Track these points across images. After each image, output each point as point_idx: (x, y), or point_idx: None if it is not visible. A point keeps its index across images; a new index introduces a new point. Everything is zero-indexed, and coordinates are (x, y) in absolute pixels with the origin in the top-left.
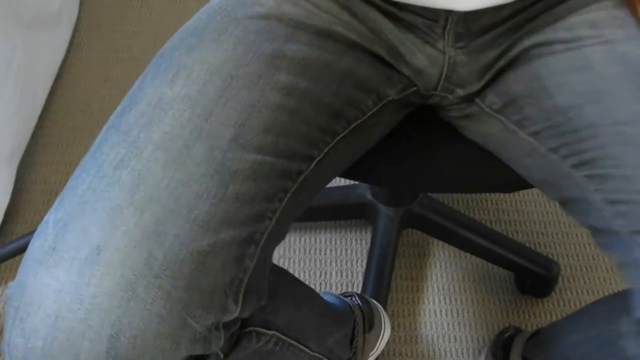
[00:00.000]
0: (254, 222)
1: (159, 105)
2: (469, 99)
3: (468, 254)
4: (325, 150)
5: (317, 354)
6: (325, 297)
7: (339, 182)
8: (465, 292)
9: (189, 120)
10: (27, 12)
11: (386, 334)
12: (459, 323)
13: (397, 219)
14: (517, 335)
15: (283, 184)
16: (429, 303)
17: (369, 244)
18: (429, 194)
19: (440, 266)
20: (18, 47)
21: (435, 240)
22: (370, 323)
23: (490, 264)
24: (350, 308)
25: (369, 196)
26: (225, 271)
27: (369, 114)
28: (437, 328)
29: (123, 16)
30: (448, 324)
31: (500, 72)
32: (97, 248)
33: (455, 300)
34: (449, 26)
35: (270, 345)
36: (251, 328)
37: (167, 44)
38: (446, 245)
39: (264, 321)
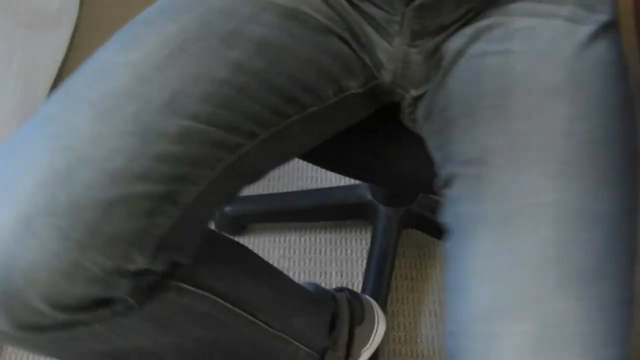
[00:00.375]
0: (175, 182)
1: (103, 68)
2: (418, 100)
3: None
4: (274, 131)
5: (281, 333)
6: (305, 285)
7: (339, 182)
8: None
9: (126, 83)
10: (27, 12)
11: (380, 331)
12: None
13: (397, 219)
14: None
15: (218, 153)
16: (429, 303)
17: (369, 244)
18: (429, 194)
19: (440, 266)
20: (18, 47)
21: (435, 240)
22: (360, 318)
23: None
24: (334, 298)
25: (369, 196)
26: (131, 222)
27: (329, 103)
28: (437, 328)
29: (123, 16)
30: None
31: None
32: (6, 186)
33: None
34: (405, 22)
35: (206, 306)
36: (174, 282)
37: (135, 18)
38: None
39: (193, 279)
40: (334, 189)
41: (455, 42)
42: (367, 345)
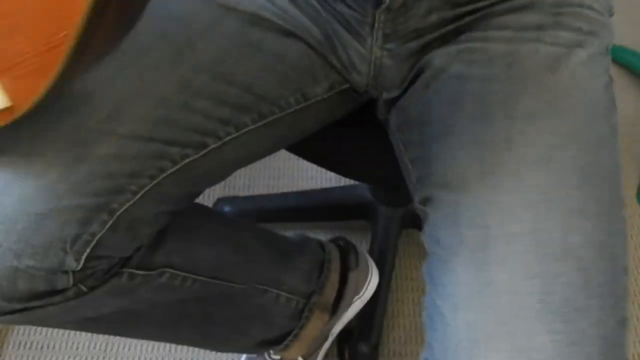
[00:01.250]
0: (109, 195)
1: None
2: (391, 103)
3: None
4: (228, 139)
5: (254, 285)
6: (291, 235)
7: (338, 182)
8: None
9: (68, 99)
10: None
11: (372, 283)
12: None
13: (397, 219)
14: None
15: (158, 163)
16: None
17: (368, 244)
18: None
19: None
20: None
21: None
22: (354, 263)
23: None
24: (321, 246)
25: (369, 196)
26: (62, 231)
27: (289, 111)
28: None
29: None
30: None
31: (413, 83)
32: None
33: None
34: (376, 24)
35: (163, 279)
36: (125, 269)
37: None
38: None
39: (146, 263)
40: (334, 189)
41: (438, 59)
42: (360, 294)
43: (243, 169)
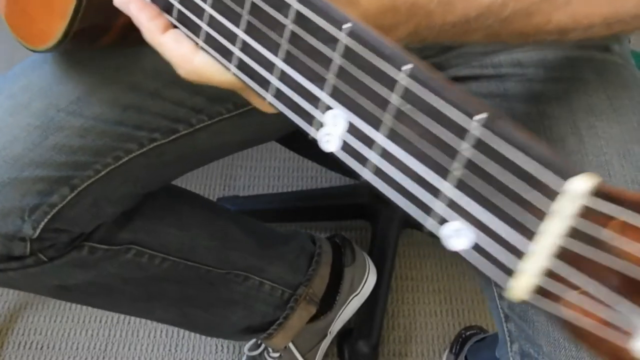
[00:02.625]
0: (72, 169)
1: (31, 65)
2: None
3: None
4: (199, 127)
5: (233, 271)
6: (284, 231)
7: (338, 182)
8: (465, 292)
9: (45, 79)
10: None
11: (370, 281)
12: (459, 323)
13: (397, 219)
14: (475, 335)
15: (124, 146)
16: (429, 303)
17: (368, 244)
18: None
19: (441, 266)
20: None
21: (435, 241)
22: (350, 259)
23: None
24: (312, 239)
25: (369, 196)
26: (22, 200)
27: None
28: (437, 328)
29: None
30: (448, 324)
31: None
32: None
33: (455, 300)
34: None
35: (130, 255)
36: (85, 243)
37: None
38: None
39: (110, 238)
40: (333, 189)
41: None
42: (357, 292)
43: (243, 169)
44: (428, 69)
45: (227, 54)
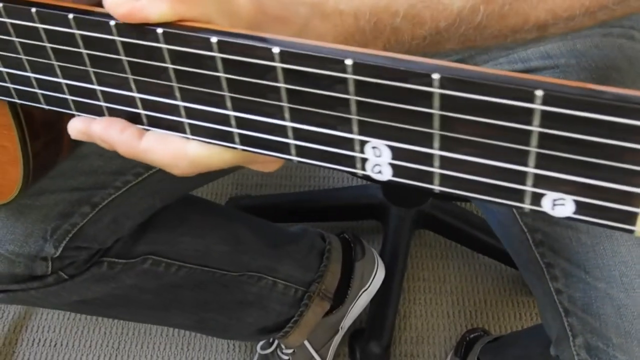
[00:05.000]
0: (92, 188)
1: None
2: None
3: (481, 255)
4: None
5: (246, 272)
6: (292, 229)
7: (350, 182)
8: (478, 293)
9: None
10: None
11: (379, 275)
12: (471, 325)
13: (409, 219)
14: (481, 337)
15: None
16: (442, 304)
17: (380, 245)
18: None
19: (453, 267)
20: None
21: (449, 242)
22: (361, 254)
23: (503, 265)
24: (322, 237)
25: (381, 196)
26: (45, 221)
27: None
28: (449, 329)
29: None
30: (460, 326)
31: None
32: None
33: (468, 301)
34: None
35: (147, 265)
36: (104, 259)
37: None
38: (459, 246)
39: (127, 253)
40: (345, 189)
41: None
42: (366, 287)
43: None
44: (456, 66)
45: (225, 136)
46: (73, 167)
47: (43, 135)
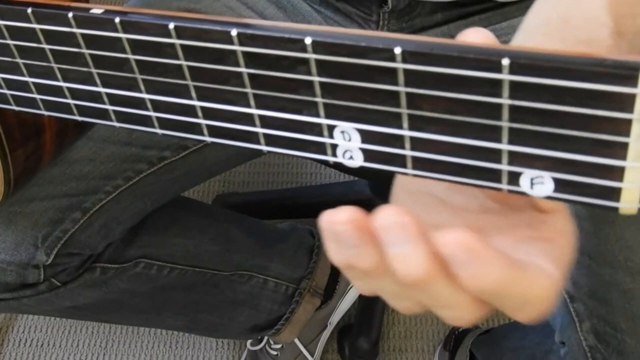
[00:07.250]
0: (83, 194)
1: None
2: None
3: None
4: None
5: (237, 271)
6: (281, 226)
7: (337, 178)
8: None
9: None
10: None
11: None
12: None
13: None
14: (470, 331)
15: (135, 166)
16: None
17: None
18: None
19: None
20: None
21: None
22: None
23: None
24: (312, 234)
25: (368, 192)
26: (35, 229)
27: None
28: (437, 324)
29: None
30: None
31: None
32: None
33: None
34: (381, 22)
35: (139, 269)
36: (96, 264)
37: None
38: None
39: (119, 257)
40: (332, 185)
41: None
42: None
43: (242, 165)
44: (418, 39)
45: (193, 128)
46: (63, 173)
47: (22, 142)
